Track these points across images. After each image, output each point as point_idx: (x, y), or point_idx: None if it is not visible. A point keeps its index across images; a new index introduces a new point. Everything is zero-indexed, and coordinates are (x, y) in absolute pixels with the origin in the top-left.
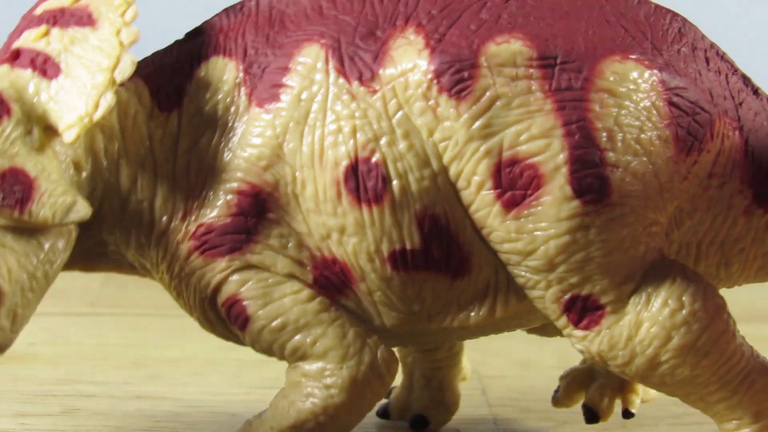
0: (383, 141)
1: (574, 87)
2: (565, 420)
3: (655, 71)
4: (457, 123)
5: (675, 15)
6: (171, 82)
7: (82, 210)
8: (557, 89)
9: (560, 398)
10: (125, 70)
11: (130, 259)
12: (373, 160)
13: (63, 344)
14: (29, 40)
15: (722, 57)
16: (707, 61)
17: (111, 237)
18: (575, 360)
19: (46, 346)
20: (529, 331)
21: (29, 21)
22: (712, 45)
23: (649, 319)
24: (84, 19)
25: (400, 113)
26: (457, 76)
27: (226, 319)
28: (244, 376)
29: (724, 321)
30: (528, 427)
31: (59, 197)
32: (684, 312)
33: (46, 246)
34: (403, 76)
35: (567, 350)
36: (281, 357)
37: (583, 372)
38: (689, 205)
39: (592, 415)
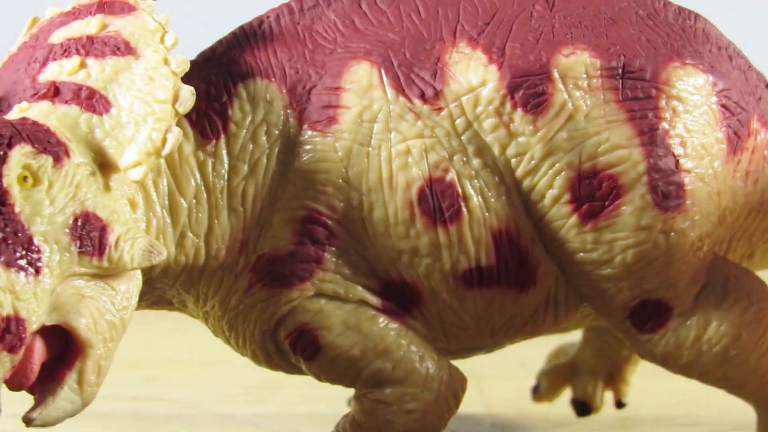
0: (456, 159)
1: (645, 96)
2: (563, 422)
3: (708, 75)
4: (533, 138)
5: (697, 15)
6: (209, 110)
7: (162, 252)
8: (628, 98)
9: (544, 393)
10: (186, 102)
11: (169, 296)
12: (447, 179)
13: None
14: (63, 72)
15: (739, 54)
16: (730, 59)
17: (161, 274)
18: None
19: None
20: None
21: (48, 50)
22: (730, 43)
23: (718, 318)
24: (121, 47)
25: (469, 130)
26: (532, 91)
27: (288, 350)
28: (242, 377)
29: None
30: (525, 428)
31: (135, 240)
32: (753, 309)
33: (121, 291)
34: (472, 92)
35: None
36: (351, 385)
37: (565, 367)
38: (732, 202)
39: (584, 409)
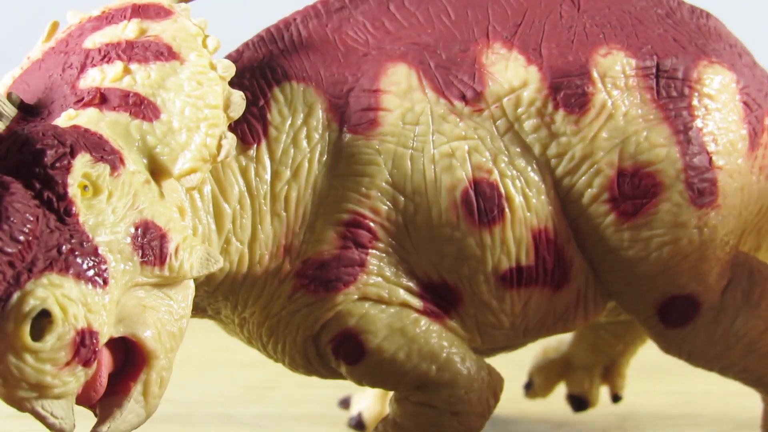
0: (498, 160)
1: (680, 94)
2: (563, 422)
3: (733, 73)
4: (574, 138)
5: (708, 14)
6: (247, 113)
7: (219, 260)
8: (663, 97)
9: (537, 389)
10: (238, 107)
11: (205, 303)
12: (491, 180)
13: None
14: (107, 79)
15: (746, 51)
16: (740, 56)
17: (204, 282)
18: None
19: None
20: None
21: (86, 57)
22: (737, 40)
23: (746, 311)
24: (164, 52)
25: (510, 131)
26: (574, 91)
27: (329, 355)
28: (241, 377)
29: None
30: (525, 428)
31: (193, 248)
32: None
33: (178, 300)
34: (513, 93)
35: None
36: (394, 388)
37: (558, 362)
38: (748, 197)
39: (580, 404)
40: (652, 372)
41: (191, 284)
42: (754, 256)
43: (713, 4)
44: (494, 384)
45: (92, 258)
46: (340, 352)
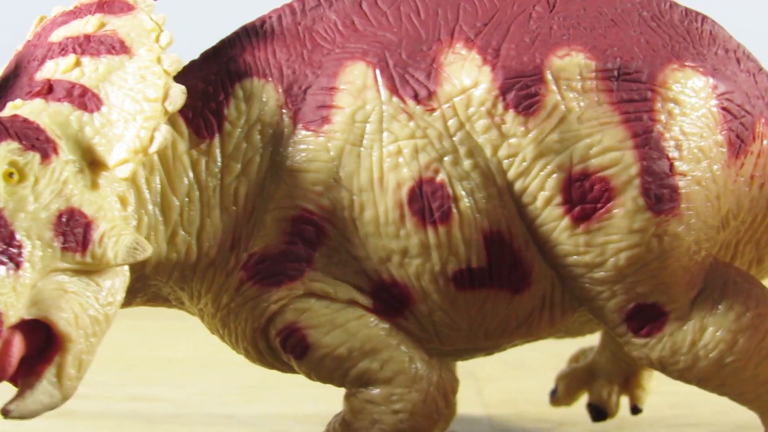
0: (447, 160)
1: (640, 98)
2: (561, 421)
3: (709, 77)
4: (524, 139)
5: (705, 17)
6: (205, 108)
7: (146, 249)
8: (623, 101)
9: (561, 397)
10: (176, 100)
11: (165, 293)
12: (438, 180)
13: None
14: (59, 71)
15: (749, 57)
16: (738, 62)
17: (153, 271)
18: None
19: None
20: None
21: (48, 49)
22: (739, 45)
23: (714, 323)
24: (116, 46)
25: (461, 131)
26: (525, 92)
27: (279, 348)
28: (240, 377)
29: None
30: (523, 429)
31: (120, 237)
32: (749, 314)
33: (106, 287)
34: (464, 93)
35: (563, 351)
36: (341, 384)
37: (582, 370)
38: (735, 206)
39: (599, 413)
40: (652, 372)
41: (125, 272)
42: (736, 268)
43: (714, 4)
44: (445, 386)
45: (6, 242)
46: (287, 346)
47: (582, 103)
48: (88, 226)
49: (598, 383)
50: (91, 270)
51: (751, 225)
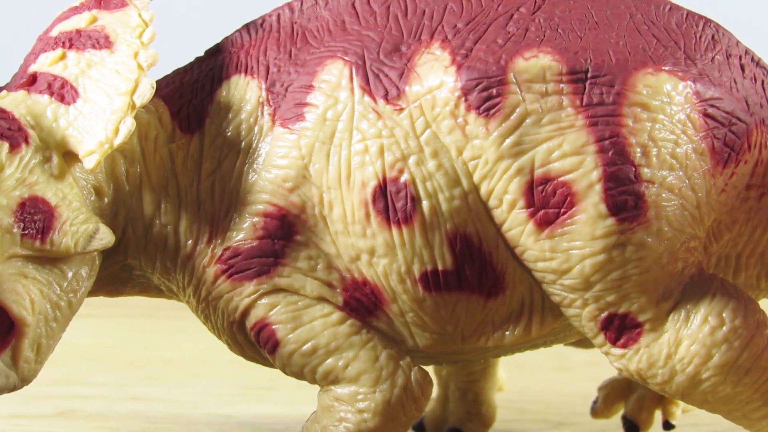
0: (412, 160)
1: (606, 102)
2: (561, 421)
3: (689, 82)
4: (486, 141)
5: (708, 21)
6: (192, 103)
7: (105, 237)
8: (589, 104)
9: (599, 409)
10: (144, 94)
11: (156, 283)
12: (402, 180)
13: (58, 345)
14: (45, 63)
15: (758, 63)
16: (742, 68)
17: (136, 262)
18: (573, 362)
19: None
20: (566, 344)
21: (45, 43)
22: (747, 51)
23: (689, 336)
24: (101, 41)
25: (428, 132)
26: (486, 94)
27: (255, 342)
28: (240, 377)
29: (766, 337)
30: (524, 429)
31: (81, 225)
32: (724, 329)
33: (70, 274)
34: (430, 93)
35: (564, 352)
36: (312, 381)
37: (621, 382)
38: (728, 217)
39: (631, 427)
40: None
41: (92, 260)
42: (722, 280)
43: (714, 5)
44: (414, 388)
45: None
46: (260, 341)
47: (545, 106)
48: (49, 214)
49: (634, 397)
50: (55, 257)
51: (750, 238)
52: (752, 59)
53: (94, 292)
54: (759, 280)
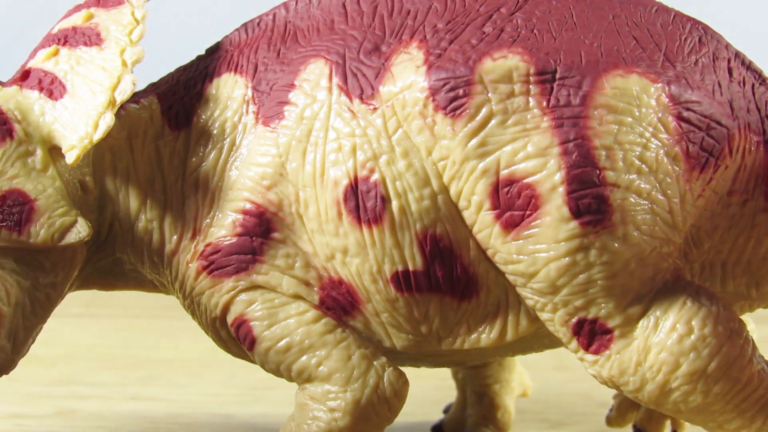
0: (382, 160)
1: (573, 103)
2: (561, 422)
3: (662, 85)
4: (453, 142)
5: (696, 23)
6: (182, 100)
7: (83, 231)
8: (555, 106)
9: (613, 417)
10: (125, 90)
11: (149, 277)
12: (372, 179)
13: (58, 345)
14: (39, 60)
15: (748, 66)
16: (730, 71)
17: (125, 256)
18: (573, 362)
19: (41, 347)
20: None
21: (45, 40)
22: (738, 54)
23: (658, 344)
24: (92, 38)
25: (399, 131)
26: (452, 94)
27: (236, 338)
28: (239, 378)
29: (738, 347)
30: (524, 428)
31: (59, 218)
32: (692, 337)
33: (47, 266)
34: (402, 93)
35: (564, 352)
36: (289, 378)
37: None
38: (708, 223)
39: None
40: None
41: (76, 253)
42: (697, 286)
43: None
44: (386, 389)
45: None
46: (239, 337)
47: (511, 107)
48: (28, 206)
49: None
50: (34, 249)
51: (734, 245)
52: (742, 62)
53: (87, 285)
54: (749, 289)
